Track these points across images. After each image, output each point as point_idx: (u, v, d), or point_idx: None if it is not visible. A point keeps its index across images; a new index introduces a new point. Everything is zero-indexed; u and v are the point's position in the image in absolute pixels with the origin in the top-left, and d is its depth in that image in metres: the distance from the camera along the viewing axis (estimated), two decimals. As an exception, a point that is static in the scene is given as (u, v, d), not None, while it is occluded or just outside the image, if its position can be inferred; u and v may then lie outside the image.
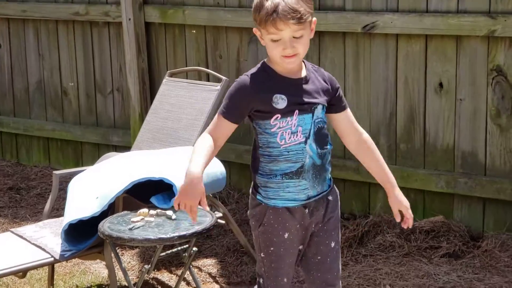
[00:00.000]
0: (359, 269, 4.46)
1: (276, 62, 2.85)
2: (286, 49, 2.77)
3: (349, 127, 2.99)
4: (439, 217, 4.77)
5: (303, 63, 2.92)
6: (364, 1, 4.92)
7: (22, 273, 4.11)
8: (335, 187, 3.06)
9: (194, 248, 3.67)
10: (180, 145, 4.44)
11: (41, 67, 6.56)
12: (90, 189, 4.03)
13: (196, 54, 5.68)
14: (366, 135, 3.01)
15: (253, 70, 2.89)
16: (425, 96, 4.80)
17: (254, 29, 2.88)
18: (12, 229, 4.32)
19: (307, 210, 2.94)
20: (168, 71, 4.89)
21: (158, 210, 3.71)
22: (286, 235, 2.92)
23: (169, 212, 3.66)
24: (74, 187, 4.16)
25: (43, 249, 4.01)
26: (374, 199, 5.05)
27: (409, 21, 4.73)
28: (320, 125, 2.89)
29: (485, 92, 4.61)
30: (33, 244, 4.07)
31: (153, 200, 3.81)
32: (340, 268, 3.08)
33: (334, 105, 2.95)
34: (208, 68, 5.45)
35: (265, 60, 2.92)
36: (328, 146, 2.94)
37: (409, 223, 2.97)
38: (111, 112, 6.25)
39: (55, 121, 6.58)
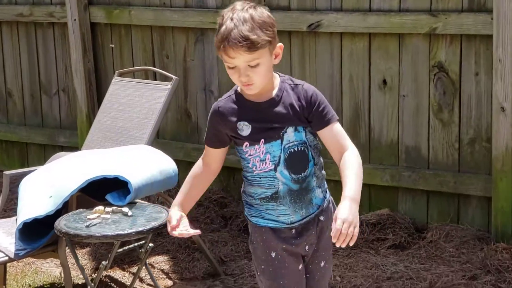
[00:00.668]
0: (309, 262, 4.56)
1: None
2: (240, 77, 2.66)
3: (333, 144, 2.75)
4: (385, 210, 4.92)
5: (276, 80, 2.78)
6: (308, 0, 5.03)
7: (-24, 273, 4.11)
8: (330, 204, 2.92)
9: (150, 244, 3.73)
10: (131, 143, 4.47)
11: (-15, 69, 6.54)
12: (43, 188, 4.04)
13: (143, 54, 5.73)
14: (348, 152, 2.73)
15: (225, 96, 2.82)
16: (370, 93, 4.93)
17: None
18: (-37, 230, 4.30)
19: (293, 231, 2.85)
20: (117, 71, 4.92)
21: (114, 207, 3.75)
22: (273, 254, 2.85)
23: (125, 209, 3.71)
24: (26, 187, 4.17)
25: (-3, 249, 4.02)
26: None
27: (353, 20, 4.86)
28: (293, 150, 2.75)
29: (427, 88, 4.76)
30: (-14, 244, 4.07)
31: (108, 197, 3.85)
32: (327, 285, 3.01)
33: (312, 121, 2.75)
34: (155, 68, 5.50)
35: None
36: (308, 170, 2.78)
37: (335, 235, 2.55)
38: (57, 113, 6.26)
39: (-1, 122, 6.56)
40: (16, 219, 4.28)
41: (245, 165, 2.83)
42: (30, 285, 4.56)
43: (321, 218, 2.86)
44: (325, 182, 2.92)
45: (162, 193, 4.39)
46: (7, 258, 3.95)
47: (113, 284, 4.54)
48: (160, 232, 5.01)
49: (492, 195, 4.57)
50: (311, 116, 2.74)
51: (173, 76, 4.63)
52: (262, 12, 2.67)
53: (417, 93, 4.79)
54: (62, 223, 3.61)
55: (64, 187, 3.93)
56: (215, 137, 2.84)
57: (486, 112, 4.60)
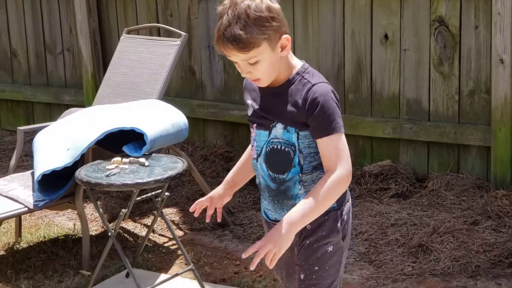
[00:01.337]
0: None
1: None
2: (243, 73, 2.51)
3: (324, 157, 2.50)
4: (387, 161, 5.07)
5: (294, 70, 2.55)
6: (311, -42, 5.14)
7: (-3, 223, 4.23)
8: (331, 216, 2.59)
9: (166, 193, 3.85)
10: (142, 98, 4.59)
11: (-11, 30, 6.62)
12: (60, 141, 4.15)
13: (148, 14, 5.82)
14: (331, 174, 2.46)
15: None
16: (371, 47, 5.06)
17: None
18: (-20, 184, 4.40)
19: None
20: (125, 29, 5.01)
21: (131, 158, 3.87)
22: None
23: (142, 159, 3.84)
24: (42, 141, 4.28)
25: (16, 200, 4.13)
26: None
27: (355, -24, 4.98)
28: (275, 146, 2.56)
29: (428, 42, 4.89)
30: (5, 196, 4.19)
31: (125, 149, 3.97)
32: None
33: (310, 127, 2.51)
34: (160, 26, 5.61)
35: None
36: (289, 174, 2.56)
37: (253, 253, 2.40)
38: (62, 72, 6.36)
39: (4, 82, 6.65)
40: (31, 173, 4.41)
41: None
42: (45, 237, 4.69)
43: (308, 226, 2.55)
44: None
45: (173, 146, 4.51)
46: (26, 209, 4.08)
47: (126, 235, 4.68)
48: (169, 185, 5.16)
49: (491, 144, 4.72)
50: (310, 121, 2.50)
51: (182, 32, 4.73)
52: (261, 4, 2.43)
53: (418, 47, 4.92)
54: (83, 173, 3.72)
55: (82, 139, 4.04)
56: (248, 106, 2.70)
57: (485, 65, 4.74)
